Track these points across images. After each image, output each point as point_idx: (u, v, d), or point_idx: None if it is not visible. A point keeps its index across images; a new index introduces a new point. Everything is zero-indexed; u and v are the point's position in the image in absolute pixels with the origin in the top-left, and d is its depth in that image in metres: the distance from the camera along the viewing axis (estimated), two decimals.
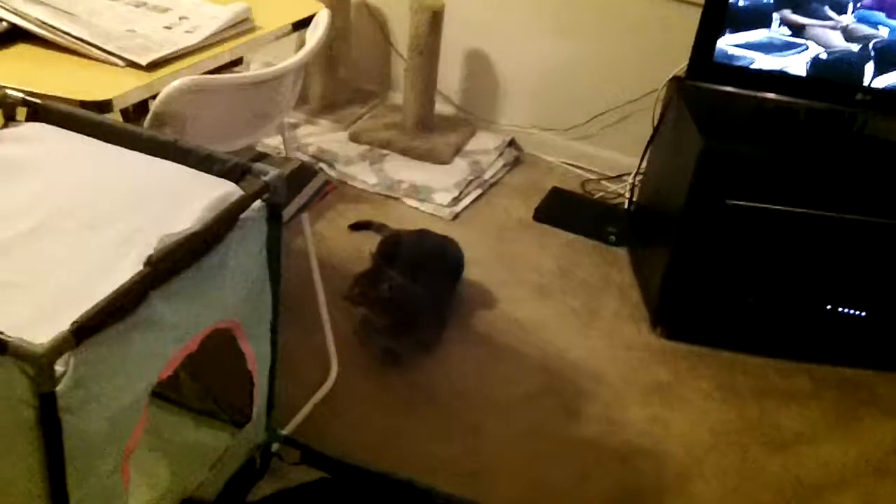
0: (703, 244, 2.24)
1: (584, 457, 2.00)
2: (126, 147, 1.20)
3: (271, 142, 3.05)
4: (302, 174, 1.85)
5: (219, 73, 1.86)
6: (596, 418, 2.11)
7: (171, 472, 1.27)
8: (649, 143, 2.63)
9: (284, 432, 1.37)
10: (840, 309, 2.29)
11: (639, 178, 2.79)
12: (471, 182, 2.96)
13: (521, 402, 2.14)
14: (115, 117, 1.52)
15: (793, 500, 1.96)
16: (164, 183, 1.14)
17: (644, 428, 2.09)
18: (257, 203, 1.13)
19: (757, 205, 2.15)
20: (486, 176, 3.02)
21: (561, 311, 2.47)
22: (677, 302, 2.37)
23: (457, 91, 3.32)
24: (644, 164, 2.72)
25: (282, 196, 1.16)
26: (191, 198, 1.10)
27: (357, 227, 2.68)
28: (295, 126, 3.16)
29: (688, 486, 1.95)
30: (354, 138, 3.11)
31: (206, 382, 1.33)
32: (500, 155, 3.13)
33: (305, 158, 3.00)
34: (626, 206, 2.92)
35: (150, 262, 0.96)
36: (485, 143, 3.18)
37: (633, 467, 1.98)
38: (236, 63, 2.05)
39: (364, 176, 2.92)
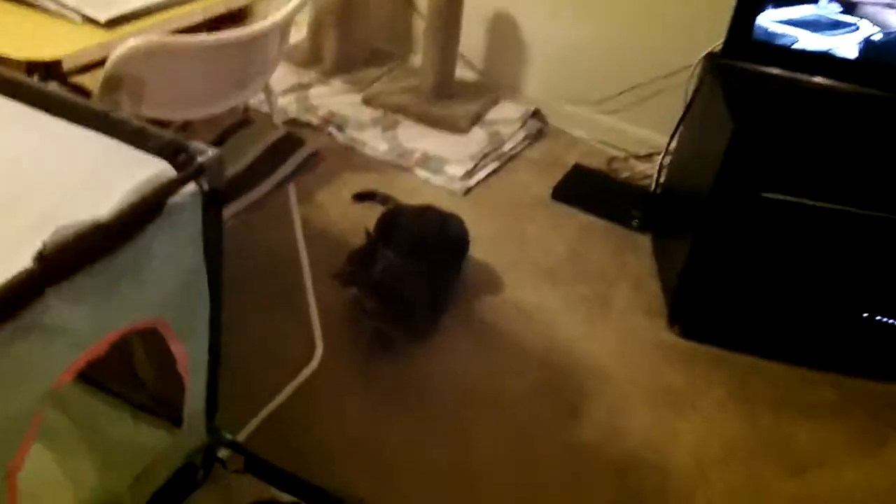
0: (730, 237, 2.05)
1: (582, 464, 1.84)
2: (54, 115, 1.05)
3: (281, 101, 2.89)
4: (288, 143, 1.69)
5: (215, 27, 1.71)
6: (598, 423, 1.95)
7: (98, 471, 1.14)
8: (680, 122, 2.43)
9: (232, 437, 1.23)
10: (878, 317, 2.09)
11: (668, 158, 2.59)
12: (488, 154, 2.78)
13: (519, 399, 1.98)
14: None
15: None
16: (89, 159, 0.99)
17: (649, 436, 1.93)
18: (190, 187, 0.98)
19: (793, 199, 1.95)
20: (505, 148, 2.84)
21: (571, 299, 2.30)
22: (697, 298, 2.19)
23: (480, 55, 3.12)
24: (674, 145, 2.53)
25: (221, 179, 1.01)
26: (116, 177, 0.95)
27: (361, 197, 2.52)
28: (307, 86, 2.99)
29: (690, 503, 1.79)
30: (368, 101, 2.94)
31: (143, 375, 1.19)
32: (523, 126, 2.95)
33: (314, 121, 2.84)
34: (652, 188, 2.72)
35: (40, 257, 0.82)
36: (507, 113, 2.99)
37: (634, 479, 1.83)
38: (240, 17, 1.90)
39: (374, 142, 2.76)
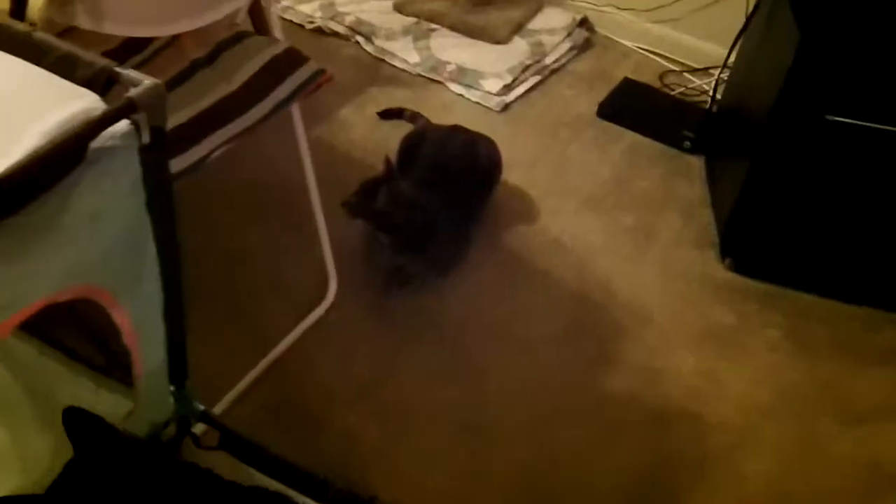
0: (790, 163, 1.84)
1: (613, 416, 1.69)
2: None
3: (305, 8, 2.69)
4: (288, 60, 1.51)
5: None
6: (635, 368, 1.78)
7: (54, 450, 1.02)
8: (741, 32, 2.17)
9: (204, 408, 1.09)
10: None
11: (726, 73, 2.34)
12: (528, 67, 2.56)
13: (547, 341, 1.82)
14: None
15: (864, 488, 1.62)
16: (7, 90, 0.83)
17: (692, 384, 1.76)
18: (123, 127, 0.82)
19: (862, 123, 1.72)
20: (548, 60, 2.61)
21: (612, 229, 2.11)
22: (752, 229, 1.99)
23: None
24: (733, 58, 2.27)
25: (162, 116, 0.84)
26: (31, 115, 0.79)
27: (387, 114, 2.34)
28: None
29: (734, 459, 1.63)
30: (399, 8, 2.71)
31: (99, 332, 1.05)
32: (568, 36, 2.70)
33: (341, 30, 2.64)
34: (708, 105, 2.48)
35: None
36: (551, 21, 2.74)
37: (671, 432, 1.67)
38: None
39: (405, 54, 2.55)
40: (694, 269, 2.03)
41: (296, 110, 1.60)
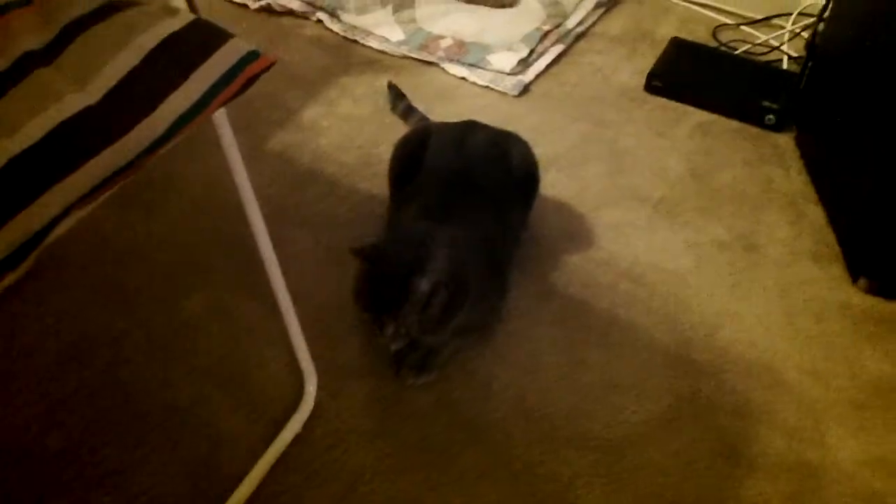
0: None
1: None
2: None
3: None
4: (198, 39, 0.89)
5: None
6: (776, 465, 1.18)
7: None
8: None
9: None
10: None
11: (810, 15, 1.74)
12: (547, 34, 1.95)
13: (640, 435, 1.21)
14: None
15: None
16: None
17: (866, 484, 1.16)
18: None
19: None
20: (571, 23, 2.02)
21: (701, 246, 1.51)
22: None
23: None
24: None
25: None
26: None
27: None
28: None
29: None
30: None
31: None
32: None
33: (295, 6, 2.01)
34: (784, 64, 1.90)
35: None
36: None
37: None
38: None
39: (384, 30, 1.94)
40: (821, 296, 1.43)
41: (223, 121, 0.98)
